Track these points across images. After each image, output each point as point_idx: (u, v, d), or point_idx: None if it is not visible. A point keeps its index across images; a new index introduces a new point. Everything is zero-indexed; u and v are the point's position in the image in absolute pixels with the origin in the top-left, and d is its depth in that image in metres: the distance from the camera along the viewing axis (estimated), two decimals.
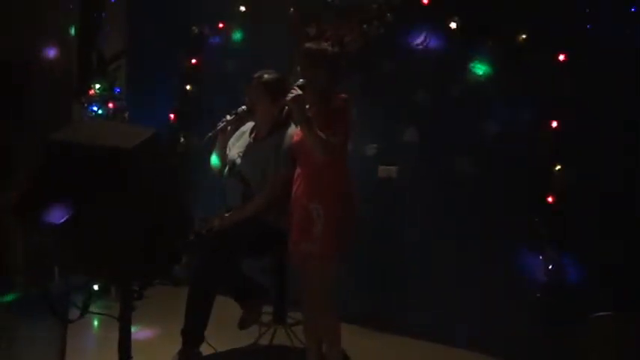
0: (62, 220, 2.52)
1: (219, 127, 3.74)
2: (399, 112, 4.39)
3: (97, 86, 5.03)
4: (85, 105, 4.96)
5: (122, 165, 2.59)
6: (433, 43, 4.23)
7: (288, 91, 3.20)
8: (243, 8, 4.95)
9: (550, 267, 3.83)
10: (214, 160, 3.90)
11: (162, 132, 4.84)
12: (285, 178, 3.48)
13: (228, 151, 3.86)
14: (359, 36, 4.34)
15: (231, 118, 3.73)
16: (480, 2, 4.02)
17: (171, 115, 5.22)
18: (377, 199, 4.38)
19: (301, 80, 3.22)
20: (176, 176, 3.70)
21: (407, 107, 4.35)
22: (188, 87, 5.19)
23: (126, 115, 5.11)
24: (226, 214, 3.71)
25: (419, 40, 4.26)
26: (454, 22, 4.09)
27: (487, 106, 4.11)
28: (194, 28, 5.12)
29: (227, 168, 3.82)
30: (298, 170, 3.37)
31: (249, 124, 3.88)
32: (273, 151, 3.62)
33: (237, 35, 5.05)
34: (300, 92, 3.15)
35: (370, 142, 4.48)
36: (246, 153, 3.76)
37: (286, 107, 3.59)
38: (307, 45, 3.39)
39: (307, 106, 3.20)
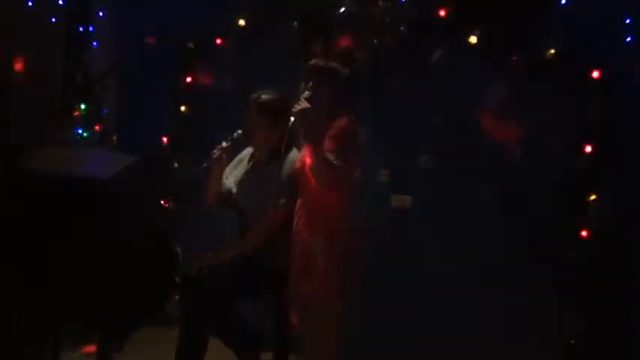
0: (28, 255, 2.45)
1: (213, 157, 3.48)
2: (414, 136, 4.24)
3: (82, 107, 4.80)
4: (69, 127, 4.69)
5: (95, 198, 2.53)
6: (451, 59, 4.09)
7: (290, 113, 3.03)
8: (242, 22, 4.77)
9: (584, 311, 3.66)
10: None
11: (154, 157, 4.71)
12: (285, 210, 3.28)
13: (224, 180, 3.62)
14: (369, 51, 4.20)
15: (226, 145, 3.51)
16: (504, 14, 3.89)
17: (164, 139, 4.99)
18: (389, 232, 4.23)
19: (308, 92, 3.09)
20: (160, 209, 3.50)
21: (423, 130, 4.22)
22: (182, 108, 4.97)
23: (114, 138, 4.93)
24: (219, 251, 3.46)
25: (435, 57, 4.13)
26: (474, 35, 3.97)
27: (512, 129, 3.97)
28: (189, 44, 4.92)
29: (223, 198, 3.57)
30: (300, 201, 3.20)
31: (249, 150, 3.66)
32: (273, 180, 3.39)
33: (236, 52, 4.83)
34: (307, 105, 3.00)
35: (382, 168, 4.31)
36: (243, 182, 3.52)
37: (289, 127, 3.33)
38: (314, 61, 3.27)
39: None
